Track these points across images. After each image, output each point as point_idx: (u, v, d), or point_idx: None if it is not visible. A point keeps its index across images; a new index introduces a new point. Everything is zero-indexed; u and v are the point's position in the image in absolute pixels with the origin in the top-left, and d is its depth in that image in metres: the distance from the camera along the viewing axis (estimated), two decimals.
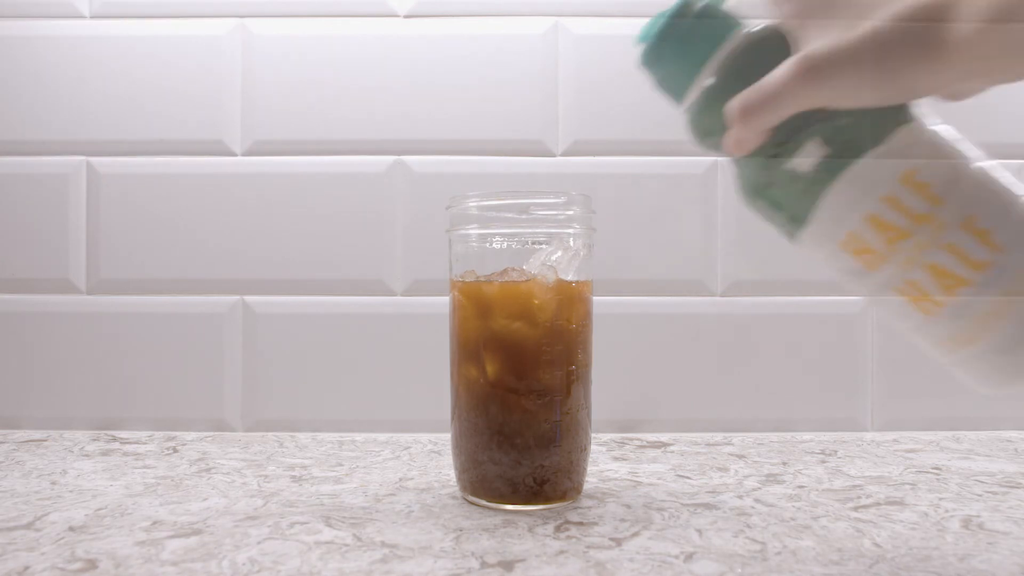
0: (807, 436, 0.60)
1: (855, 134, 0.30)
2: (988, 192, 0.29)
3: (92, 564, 0.31)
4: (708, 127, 0.33)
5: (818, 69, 0.28)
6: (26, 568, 0.31)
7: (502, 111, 0.61)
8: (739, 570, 0.31)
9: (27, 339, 0.61)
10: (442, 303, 0.60)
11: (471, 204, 0.41)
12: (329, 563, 0.31)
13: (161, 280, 0.61)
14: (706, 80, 0.32)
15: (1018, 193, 0.29)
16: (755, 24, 0.34)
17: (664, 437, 0.59)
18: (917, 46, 0.27)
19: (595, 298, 0.43)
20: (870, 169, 0.30)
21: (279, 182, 0.62)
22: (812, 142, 0.30)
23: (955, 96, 0.31)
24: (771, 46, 0.31)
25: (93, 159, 0.61)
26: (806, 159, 0.31)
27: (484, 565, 0.31)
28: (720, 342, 0.62)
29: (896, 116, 0.30)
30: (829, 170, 0.30)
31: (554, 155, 0.61)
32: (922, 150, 0.29)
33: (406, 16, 0.62)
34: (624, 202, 0.61)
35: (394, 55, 0.62)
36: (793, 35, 0.30)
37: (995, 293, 0.28)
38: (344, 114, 0.62)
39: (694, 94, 0.33)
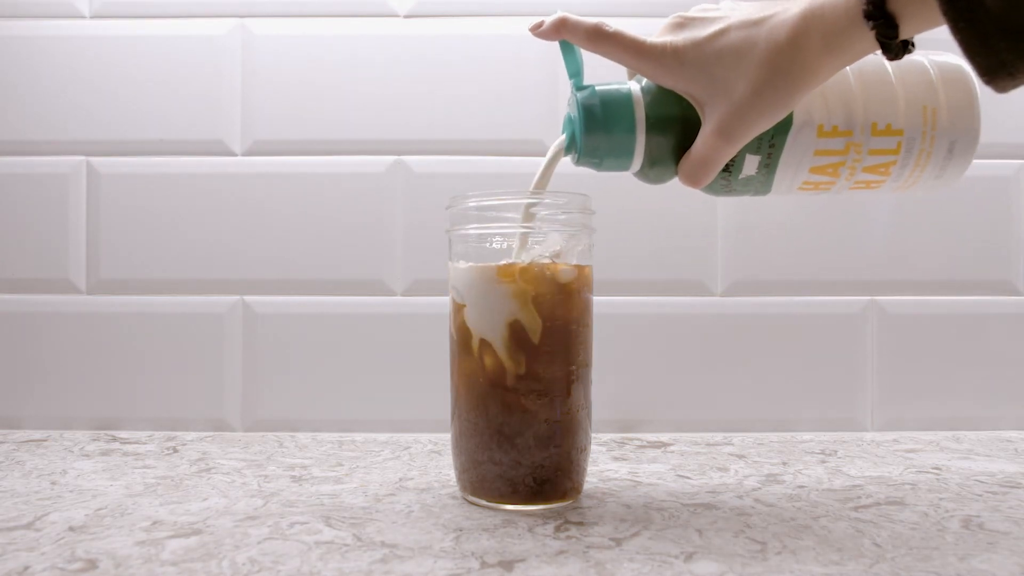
0: (807, 436, 0.60)
1: (775, 128, 0.37)
2: (875, 100, 0.38)
3: (92, 564, 0.31)
4: (656, 179, 0.41)
5: (732, 132, 0.36)
6: (26, 568, 0.31)
7: (502, 111, 0.61)
8: (739, 570, 0.31)
9: (27, 339, 0.61)
10: (442, 303, 0.60)
11: (471, 204, 0.41)
12: (329, 563, 0.31)
13: (161, 280, 0.61)
14: (639, 151, 0.39)
15: (891, 80, 0.38)
16: (639, 84, 0.40)
17: (664, 437, 0.59)
18: (785, 82, 0.34)
19: (595, 298, 0.43)
20: (797, 139, 0.38)
21: (279, 182, 0.61)
22: (749, 155, 0.39)
23: None
24: (669, 97, 0.38)
25: (93, 159, 0.61)
26: (749, 167, 0.39)
27: (484, 565, 0.31)
28: (720, 342, 0.62)
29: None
30: (767, 159, 0.39)
31: None
32: (821, 108, 0.38)
33: (406, 16, 0.62)
34: (624, 202, 0.61)
35: (394, 55, 0.62)
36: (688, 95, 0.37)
37: (914, 155, 0.39)
38: (344, 114, 0.61)
39: (637, 161, 0.40)
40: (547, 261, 0.39)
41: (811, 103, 0.38)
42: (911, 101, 0.38)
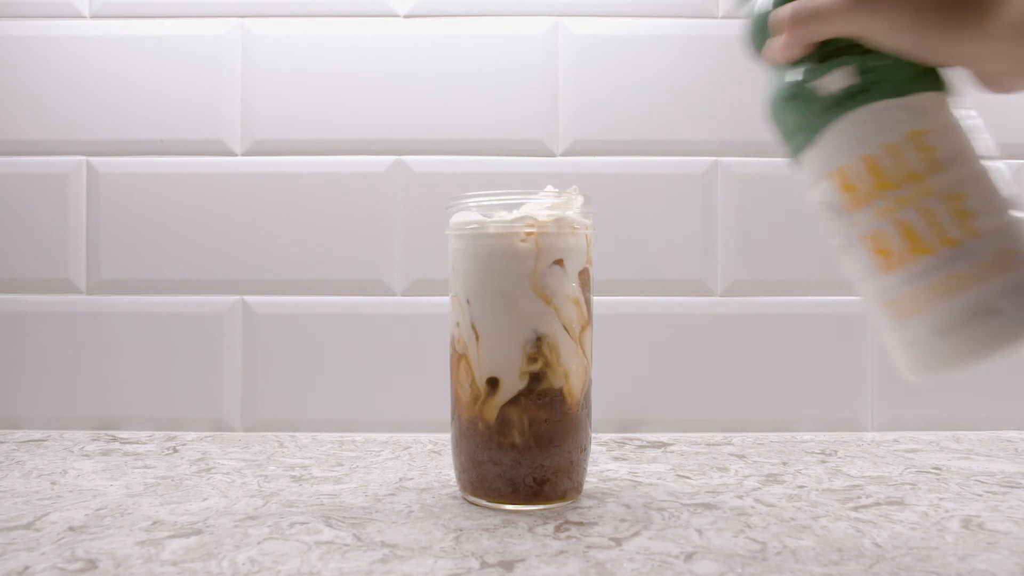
0: (807, 436, 0.60)
1: (885, 76, 0.30)
2: (987, 184, 0.29)
3: (92, 564, 0.31)
4: (761, 39, 0.33)
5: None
6: (26, 568, 0.31)
7: (502, 111, 0.61)
8: (739, 570, 0.31)
9: (27, 339, 0.61)
10: (442, 303, 0.60)
11: (471, 204, 0.41)
12: (329, 563, 0.31)
13: (161, 280, 0.61)
14: None
15: (1015, 202, 0.29)
16: None
17: (664, 437, 0.59)
18: (967, 5, 0.27)
19: (595, 298, 0.43)
20: (886, 113, 0.30)
21: (279, 182, 0.61)
22: (844, 69, 0.30)
23: (993, 83, 0.32)
24: None
25: (93, 159, 0.61)
26: (833, 82, 0.31)
27: (484, 565, 0.31)
28: (720, 342, 0.62)
29: (929, 79, 0.30)
30: (848, 100, 0.30)
31: (554, 155, 0.61)
32: (936, 121, 0.30)
33: (406, 16, 0.62)
34: (624, 202, 0.61)
35: (394, 55, 0.62)
36: None
37: (954, 272, 0.28)
38: (344, 114, 0.62)
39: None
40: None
41: (950, 112, 0.30)
42: (1000, 238, 0.28)
